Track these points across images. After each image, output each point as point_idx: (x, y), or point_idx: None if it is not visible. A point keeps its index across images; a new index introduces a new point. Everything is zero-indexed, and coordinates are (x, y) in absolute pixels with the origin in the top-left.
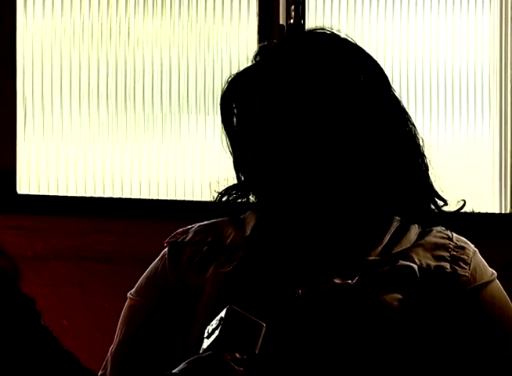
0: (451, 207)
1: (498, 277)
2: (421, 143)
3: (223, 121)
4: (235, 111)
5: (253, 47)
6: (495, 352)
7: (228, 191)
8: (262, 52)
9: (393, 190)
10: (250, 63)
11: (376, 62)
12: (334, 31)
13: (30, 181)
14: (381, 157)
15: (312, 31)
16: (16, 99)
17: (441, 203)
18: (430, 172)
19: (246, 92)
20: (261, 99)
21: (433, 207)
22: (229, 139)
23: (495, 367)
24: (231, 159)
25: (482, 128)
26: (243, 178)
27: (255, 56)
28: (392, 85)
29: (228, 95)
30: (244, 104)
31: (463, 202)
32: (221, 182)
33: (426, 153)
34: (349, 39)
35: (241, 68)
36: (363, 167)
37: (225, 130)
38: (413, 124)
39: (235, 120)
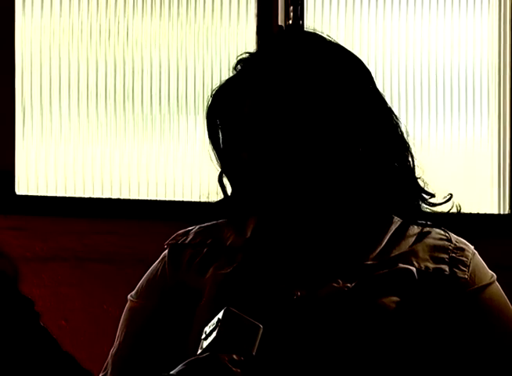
0: (449, 207)
1: (497, 278)
2: (406, 138)
3: (210, 136)
4: (220, 124)
5: (251, 48)
6: (495, 354)
7: (220, 203)
8: (243, 61)
9: (383, 188)
10: (231, 73)
11: (357, 58)
12: (315, 31)
13: (28, 181)
14: (370, 155)
15: (291, 35)
16: (14, 100)
17: (429, 197)
18: (416, 166)
19: (231, 102)
20: (250, 105)
21: (423, 204)
22: (218, 153)
23: (495, 369)
24: (218, 170)
25: (481, 129)
26: (229, 189)
27: (235, 66)
28: (377, 83)
29: (213, 108)
30: (231, 114)
31: (450, 195)
32: (212, 195)
33: (412, 150)
34: (329, 38)
35: (222, 82)
36: (355, 165)
37: (213, 144)
38: (399, 121)
39: (221, 133)
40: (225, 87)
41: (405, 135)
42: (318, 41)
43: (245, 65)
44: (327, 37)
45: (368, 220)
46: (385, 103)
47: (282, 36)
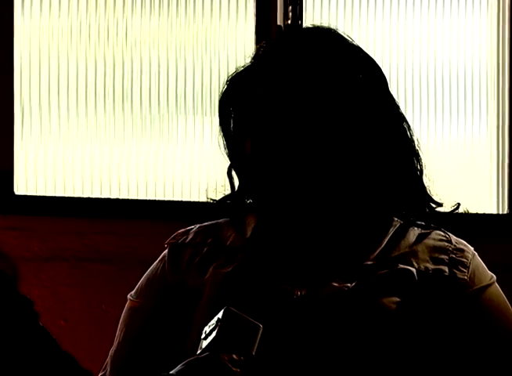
0: (448, 208)
1: (496, 278)
2: (417, 146)
3: (221, 123)
4: (232, 112)
5: (250, 47)
6: (494, 355)
7: (224, 199)
8: (261, 50)
9: (388, 192)
10: (248, 61)
11: (374, 61)
12: (333, 29)
13: (27, 181)
14: (377, 158)
15: (312, 29)
16: (13, 100)
17: (437, 206)
18: (425, 175)
19: (245, 90)
20: (260, 97)
21: (428, 210)
22: (227, 141)
23: (495, 370)
24: (228, 162)
25: (480, 129)
26: (237, 183)
27: (254, 55)
28: (390, 86)
29: (227, 94)
30: (243, 102)
31: (457, 205)
32: (219, 189)
33: (421, 156)
34: (347, 37)
35: (239, 68)
36: (360, 166)
37: (223, 131)
38: (409, 126)
39: (232, 121)
40: (241, 75)
41: (415, 143)
42: (337, 39)
43: (263, 55)
44: (347, 38)
45: (368, 221)
46: (396, 106)
47: (302, 30)
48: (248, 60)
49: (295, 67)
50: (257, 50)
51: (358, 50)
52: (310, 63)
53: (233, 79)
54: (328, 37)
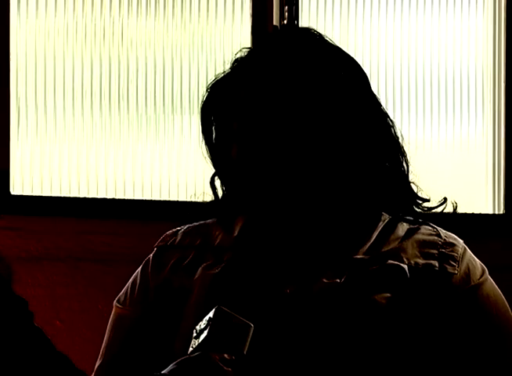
0: (444, 207)
1: (492, 278)
2: (401, 142)
3: (203, 131)
4: (215, 119)
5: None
6: (491, 353)
7: (210, 205)
8: (240, 55)
9: (375, 187)
10: (227, 67)
11: (355, 60)
12: (312, 29)
13: (23, 181)
14: (361, 155)
15: (291, 32)
16: (9, 99)
17: (423, 201)
18: (411, 171)
19: (227, 96)
20: (243, 101)
21: (417, 208)
22: (210, 148)
23: (491, 368)
24: (212, 169)
25: (476, 129)
26: (220, 193)
27: (234, 61)
28: (372, 83)
29: (208, 102)
30: (226, 108)
31: (444, 199)
32: (205, 196)
33: (406, 152)
34: (327, 38)
35: (219, 75)
36: (345, 163)
37: (205, 139)
38: (393, 123)
39: (214, 128)
40: (221, 82)
41: (399, 139)
42: (315, 40)
43: (242, 61)
44: (325, 38)
45: (356, 216)
46: (379, 104)
47: (280, 33)
48: (228, 66)
49: (276, 69)
50: (236, 56)
51: (337, 50)
52: (290, 65)
53: (214, 86)
54: (307, 39)
